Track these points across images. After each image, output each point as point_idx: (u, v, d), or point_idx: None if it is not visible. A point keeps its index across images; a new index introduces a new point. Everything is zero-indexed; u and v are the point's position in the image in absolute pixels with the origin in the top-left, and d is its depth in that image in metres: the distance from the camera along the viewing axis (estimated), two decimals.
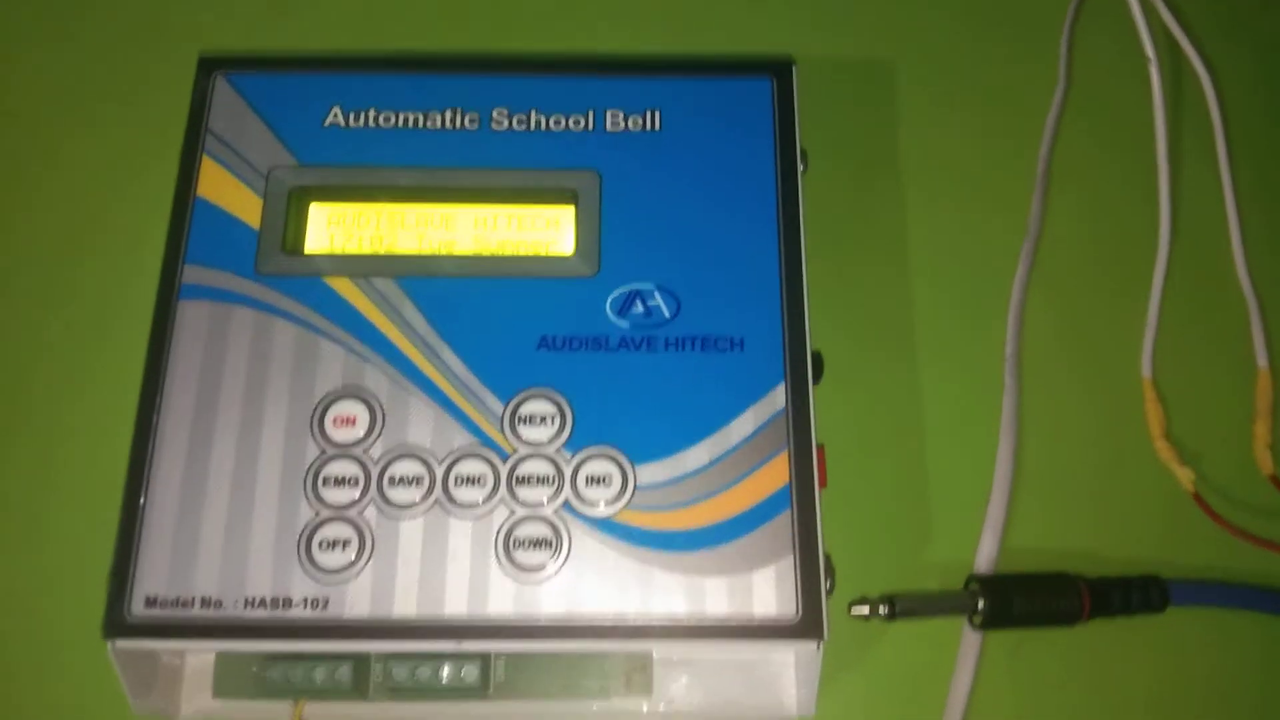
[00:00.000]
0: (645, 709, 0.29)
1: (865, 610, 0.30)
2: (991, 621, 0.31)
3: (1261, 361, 0.34)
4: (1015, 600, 0.31)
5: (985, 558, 0.32)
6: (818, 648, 0.26)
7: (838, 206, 0.35)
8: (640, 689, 0.29)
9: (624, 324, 0.29)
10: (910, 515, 0.33)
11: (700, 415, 0.28)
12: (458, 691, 0.28)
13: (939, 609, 0.31)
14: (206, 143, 0.31)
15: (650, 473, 0.28)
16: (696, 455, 0.28)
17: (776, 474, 0.28)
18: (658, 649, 0.27)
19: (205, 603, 0.26)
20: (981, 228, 0.36)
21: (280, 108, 0.31)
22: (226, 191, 0.30)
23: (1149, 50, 0.34)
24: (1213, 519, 0.32)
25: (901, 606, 0.30)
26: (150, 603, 0.26)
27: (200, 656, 0.29)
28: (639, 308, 0.29)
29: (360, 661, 0.28)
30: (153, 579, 0.26)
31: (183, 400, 0.28)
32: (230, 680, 0.29)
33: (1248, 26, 0.40)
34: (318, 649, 0.26)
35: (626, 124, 0.31)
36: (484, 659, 0.28)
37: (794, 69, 0.32)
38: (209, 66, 0.32)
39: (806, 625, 0.26)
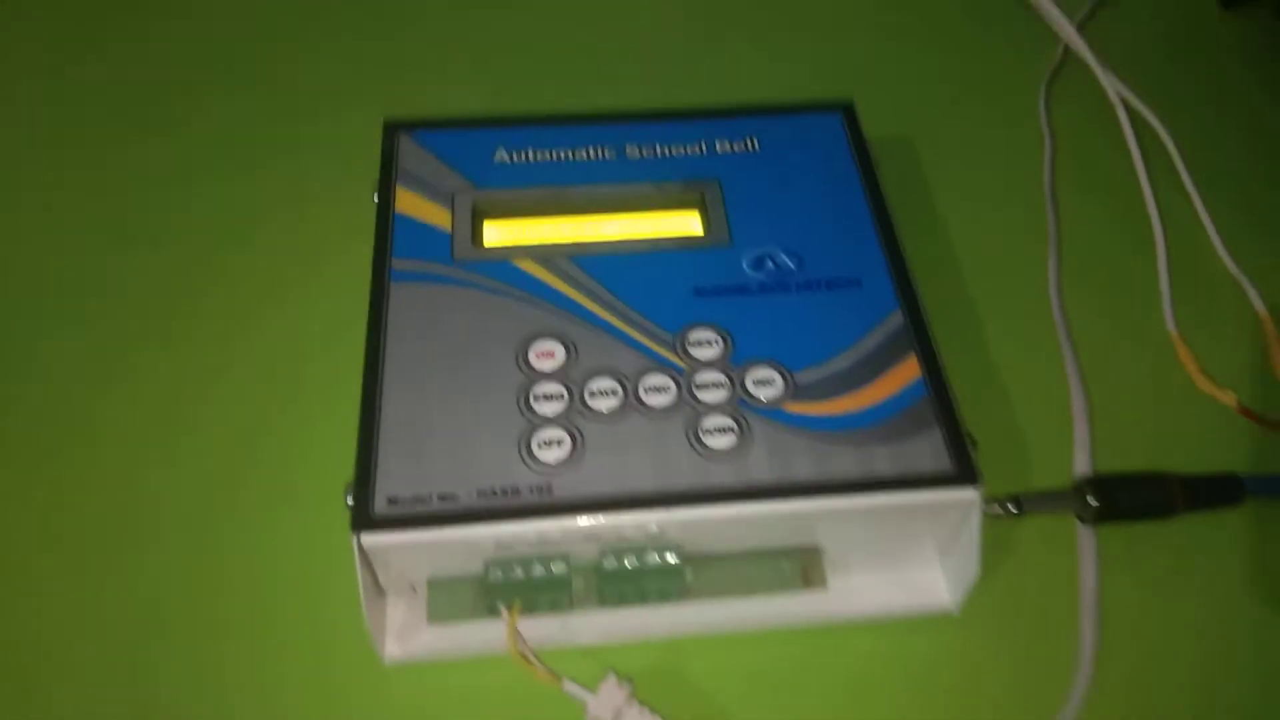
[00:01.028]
0: (821, 603, 0.32)
1: (997, 509, 0.35)
2: (1103, 515, 0.35)
3: (1259, 308, 0.42)
4: (1121, 495, 0.35)
5: (1080, 472, 0.37)
6: (977, 493, 0.31)
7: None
8: (817, 583, 0.32)
9: (760, 275, 0.35)
10: (1003, 445, 0.38)
11: (836, 334, 0.34)
12: (656, 579, 0.31)
13: (1059, 505, 0.35)
14: (399, 177, 0.38)
15: (804, 377, 0.33)
16: (839, 362, 0.33)
17: (910, 370, 0.33)
18: (837, 506, 0.30)
19: (441, 498, 0.30)
20: (1011, 235, 0.45)
21: (456, 153, 0.39)
22: (420, 208, 0.37)
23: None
24: (1259, 423, 0.38)
25: (1027, 504, 0.35)
26: (392, 501, 0.30)
27: (403, 601, 0.32)
28: (770, 264, 0.36)
29: (573, 563, 0.31)
30: (391, 482, 0.30)
31: (402, 348, 0.33)
32: (443, 602, 0.31)
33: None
34: (544, 527, 0.29)
35: (732, 148, 0.40)
36: (676, 568, 0.31)
37: (855, 106, 0.41)
38: (392, 130, 0.40)
39: (963, 473, 0.31)
